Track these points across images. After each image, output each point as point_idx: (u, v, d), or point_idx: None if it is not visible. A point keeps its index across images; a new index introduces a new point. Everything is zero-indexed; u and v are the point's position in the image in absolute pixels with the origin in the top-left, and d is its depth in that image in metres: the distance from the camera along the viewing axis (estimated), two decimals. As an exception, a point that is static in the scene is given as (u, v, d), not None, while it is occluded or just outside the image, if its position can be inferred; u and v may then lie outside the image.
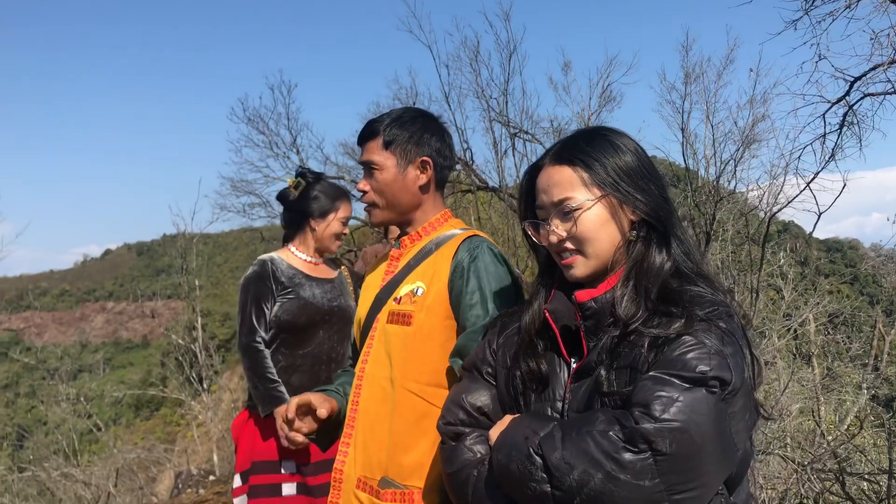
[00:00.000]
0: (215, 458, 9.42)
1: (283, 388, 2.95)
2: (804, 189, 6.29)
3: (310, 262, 3.21)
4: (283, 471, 2.92)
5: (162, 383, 18.06)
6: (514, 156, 10.75)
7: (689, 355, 1.22)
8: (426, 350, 1.82)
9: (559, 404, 1.39)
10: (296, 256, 3.19)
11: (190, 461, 10.00)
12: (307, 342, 3.05)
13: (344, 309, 3.14)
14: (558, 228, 1.44)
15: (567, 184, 1.43)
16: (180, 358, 14.39)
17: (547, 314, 1.44)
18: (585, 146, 1.46)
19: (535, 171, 1.52)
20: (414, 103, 12.54)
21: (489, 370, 1.56)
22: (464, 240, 1.88)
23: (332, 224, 3.19)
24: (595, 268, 1.44)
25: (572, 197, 1.42)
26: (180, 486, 6.78)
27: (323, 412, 1.87)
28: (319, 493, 2.86)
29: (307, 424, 1.92)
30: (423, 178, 1.97)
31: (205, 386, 12.67)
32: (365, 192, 2.00)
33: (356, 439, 1.90)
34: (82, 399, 15.74)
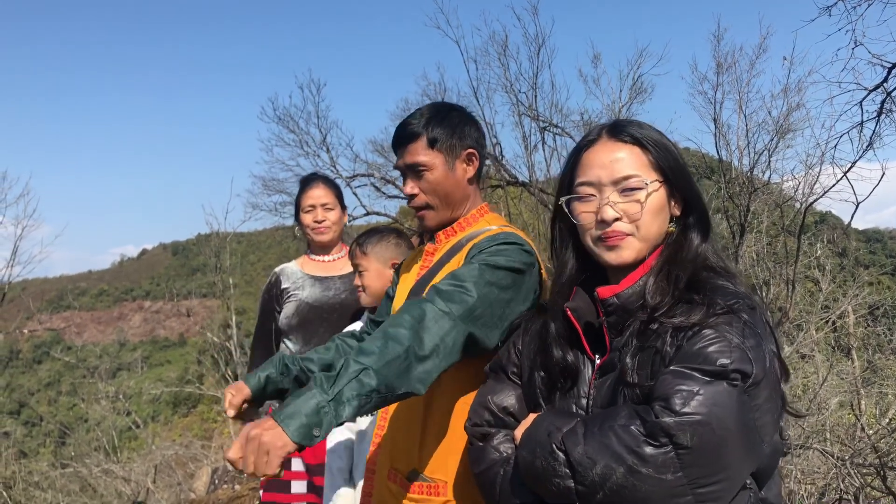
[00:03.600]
0: (251, 454, 9.50)
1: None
2: (841, 178, 6.18)
3: (323, 261, 3.24)
4: (292, 468, 2.99)
5: (198, 381, 18.31)
6: (543, 150, 10.72)
7: (710, 349, 1.20)
8: None
9: (584, 401, 1.39)
10: (309, 260, 3.27)
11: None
12: (309, 340, 3.07)
13: (346, 305, 3.09)
14: (616, 205, 1.40)
15: (633, 161, 1.41)
16: (216, 356, 14.58)
17: (569, 312, 1.42)
18: (642, 131, 1.44)
19: (582, 147, 1.48)
20: (443, 99, 12.54)
21: (514, 370, 1.55)
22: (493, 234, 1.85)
23: (304, 217, 3.18)
24: (642, 252, 1.41)
25: (638, 176, 1.39)
26: (216, 481, 6.88)
27: (231, 412, 1.88)
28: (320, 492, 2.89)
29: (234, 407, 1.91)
30: (471, 171, 1.96)
31: (240, 383, 12.81)
32: (414, 195, 1.95)
33: (387, 432, 1.93)
34: (121, 397, 16.05)
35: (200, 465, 10.98)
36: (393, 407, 1.92)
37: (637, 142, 1.42)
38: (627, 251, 1.40)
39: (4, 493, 12.90)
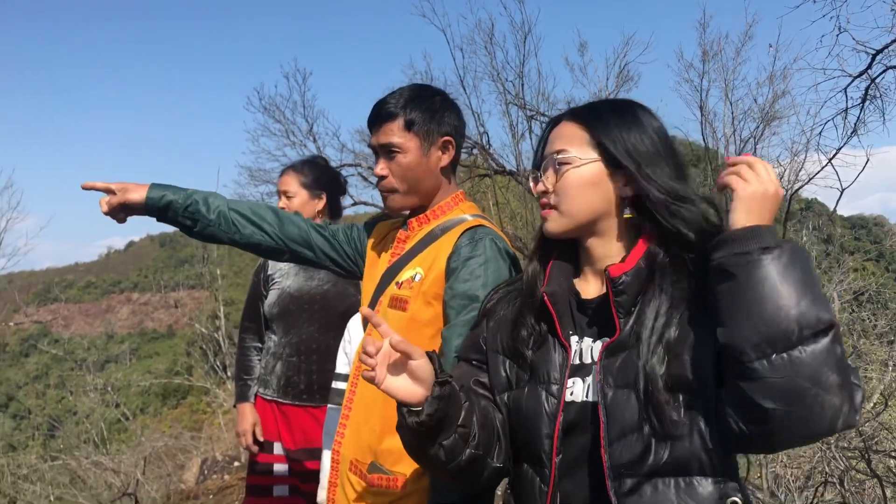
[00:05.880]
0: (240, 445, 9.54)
1: (250, 384, 3.09)
2: (826, 165, 6.20)
3: None
4: (273, 452, 3.05)
5: (187, 372, 18.26)
6: (531, 139, 10.68)
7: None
8: (420, 338, 1.79)
9: (554, 387, 1.37)
10: None
11: (216, 448, 10.14)
12: (288, 331, 3.03)
13: (328, 297, 3.03)
14: (547, 180, 1.44)
15: (568, 137, 1.43)
16: (204, 347, 14.57)
17: (545, 298, 1.42)
18: (604, 111, 1.45)
19: (555, 123, 1.51)
20: (430, 88, 12.46)
21: (478, 359, 1.54)
22: (469, 228, 1.83)
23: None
24: (567, 227, 1.43)
25: (567, 150, 1.41)
26: (206, 472, 6.89)
27: (104, 207, 1.86)
28: (306, 479, 2.91)
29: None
30: (446, 159, 1.92)
31: (229, 374, 12.82)
32: (384, 178, 1.91)
33: (351, 422, 1.92)
34: (110, 389, 16.00)
35: (190, 456, 10.96)
36: (356, 398, 1.91)
37: (583, 120, 1.44)
38: (550, 224, 1.44)
39: (-7, 487, 12.87)
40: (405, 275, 1.87)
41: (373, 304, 1.94)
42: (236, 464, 6.86)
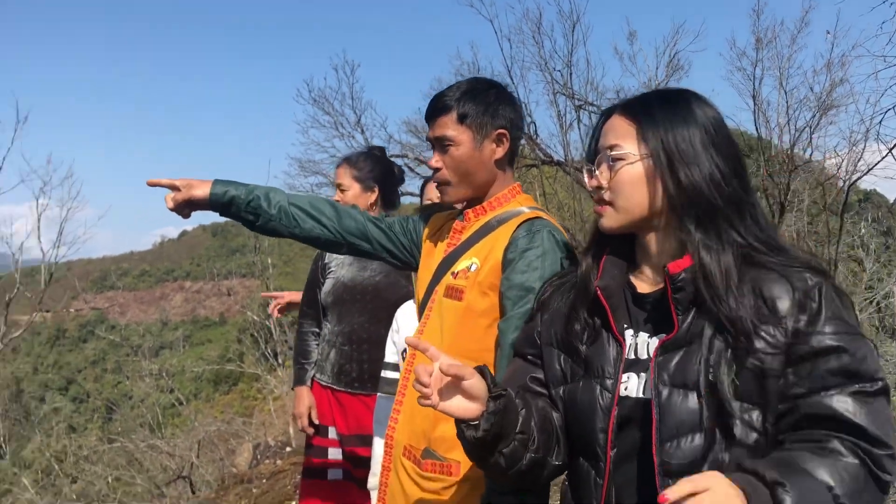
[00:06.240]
0: (291, 430, 9.72)
1: (307, 368, 3.19)
2: (886, 155, 6.04)
3: None
4: (328, 436, 3.12)
5: (239, 359, 18.64)
6: (579, 128, 10.59)
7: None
8: (475, 327, 1.82)
9: (609, 382, 1.37)
10: None
11: (268, 433, 10.35)
12: (341, 320, 3.09)
13: (379, 288, 3.08)
14: (601, 175, 1.43)
15: (619, 132, 1.42)
16: (256, 334, 14.84)
17: (599, 292, 1.42)
18: (656, 104, 1.43)
19: (608, 115, 1.49)
20: (477, 78, 12.43)
21: (532, 353, 1.54)
22: (525, 220, 1.84)
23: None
24: (622, 223, 1.42)
25: (620, 146, 1.40)
26: (259, 456, 7.05)
27: (169, 203, 1.93)
28: (358, 464, 2.98)
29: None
30: (500, 152, 1.91)
31: (280, 361, 13.05)
32: (438, 170, 1.93)
33: (405, 408, 1.93)
34: (164, 374, 16.43)
35: (242, 441, 11.21)
36: (410, 385, 1.92)
37: (635, 114, 1.42)
38: (606, 219, 1.43)
39: (56, 466, 13.36)
40: (461, 265, 1.89)
41: (428, 294, 1.96)
42: (288, 449, 7.00)
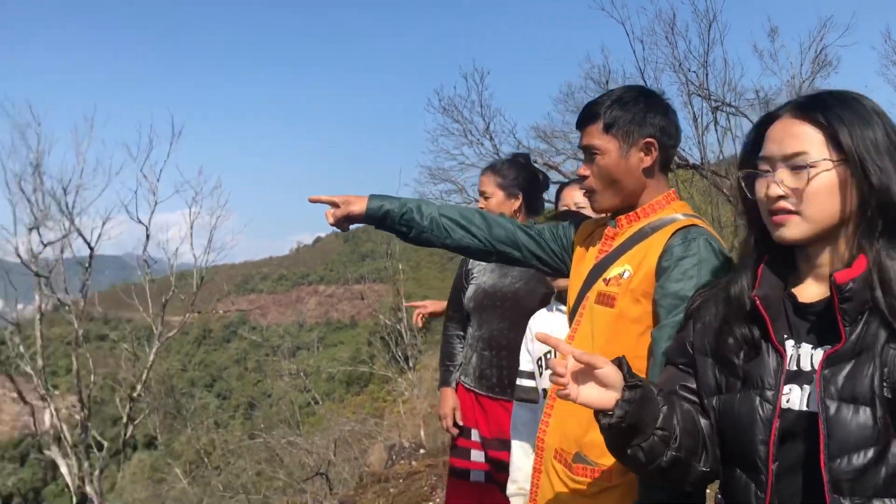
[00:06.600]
0: (422, 433, 9.92)
1: (452, 370, 3.26)
2: None
3: None
4: (471, 438, 3.13)
5: (370, 361, 19.23)
6: (716, 130, 10.25)
7: None
8: (627, 334, 1.80)
9: (769, 393, 1.32)
10: None
11: (402, 435, 10.61)
12: (482, 325, 3.12)
13: (519, 295, 3.06)
14: (783, 183, 1.35)
15: (806, 138, 1.34)
16: (386, 337, 15.28)
17: (757, 301, 1.36)
18: (835, 105, 1.36)
19: (768, 120, 1.43)
20: (607, 82, 12.29)
21: (685, 361, 1.51)
22: (681, 228, 1.80)
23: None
24: (808, 233, 1.34)
25: (807, 153, 1.33)
26: (394, 457, 7.24)
27: (330, 219, 2.06)
28: (500, 468, 2.96)
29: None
30: (648, 161, 1.89)
31: (410, 364, 13.36)
32: (585, 177, 1.94)
33: (556, 412, 1.94)
34: (302, 374, 17.25)
35: (374, 441, 11.54)
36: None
37: (818, 118, 1.34)
38: (790, 230, 1.35)
39: (206, 459, 14.29)
40: (613, 272, 1.88)
41: (579, 300, 1.96)
42: (422, 451, 7.16)
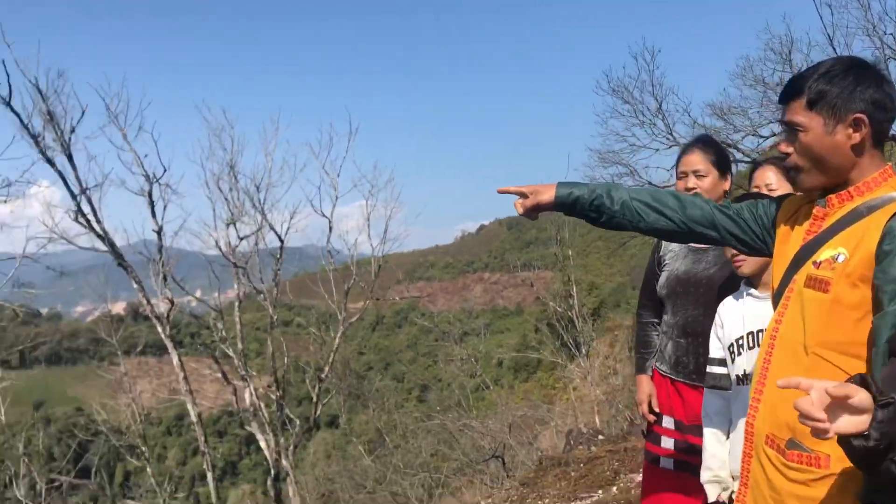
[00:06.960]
0: (597, 419, 9.89)
1: (647, 357, 3.24)
2: None
3: None
4: (663, 424, 3.12)
5: (538, 347, 19.30)
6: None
7: None
8: (844, 320, 1.71)
9: None
10: None
11: (578, 421, 10.63)
12: (676, 312, 3.07)
13: (713, 281, 2.97)
14: None
15: None
16: (556, 324, 15.29)
17: None
18: None
19: None
20: (789, 52, 11.53)
21: None
22: None
23: (677, 185, 3.06)
24: None
25: None
26: (572, 442, 7.29)
27: (519, 209, 2.11)
28: (691, 452, 2.93)
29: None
30: (857, 137, 1.78)
31: (582, 351, 13.31)
32: (787, 155, 1.86)
33: (766, 397, 1.89)
34: (472, 359, 17.66)
35: (546, 426, 11.65)
36: (770, 375, 1.87)
37: None
38: None
39: (387, 437, 15.07)
40: (824, 254, 1.79)
41: (785, 283, 1.90)
42: (601, 437, 7.16)
